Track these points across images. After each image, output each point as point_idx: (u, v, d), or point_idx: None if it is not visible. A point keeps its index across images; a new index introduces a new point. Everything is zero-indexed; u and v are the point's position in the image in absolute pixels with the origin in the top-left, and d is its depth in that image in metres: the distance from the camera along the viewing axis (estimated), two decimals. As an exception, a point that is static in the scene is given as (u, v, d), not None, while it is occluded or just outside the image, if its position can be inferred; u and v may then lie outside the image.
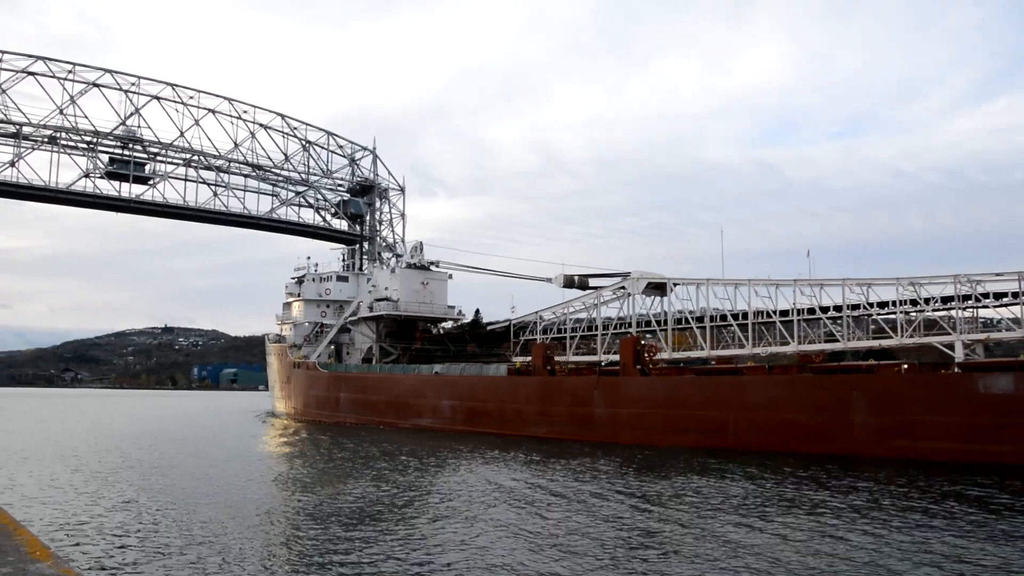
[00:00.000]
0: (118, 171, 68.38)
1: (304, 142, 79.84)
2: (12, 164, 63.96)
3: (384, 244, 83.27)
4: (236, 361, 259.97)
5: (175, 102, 71.41)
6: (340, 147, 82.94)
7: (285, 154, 77.95)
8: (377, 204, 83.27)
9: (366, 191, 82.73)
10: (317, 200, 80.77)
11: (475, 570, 14.66)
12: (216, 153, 73.27)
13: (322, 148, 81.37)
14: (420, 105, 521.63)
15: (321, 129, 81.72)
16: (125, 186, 68.87)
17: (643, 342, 45.33)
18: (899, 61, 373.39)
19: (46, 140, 65.98)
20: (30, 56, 65.49)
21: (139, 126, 69.80)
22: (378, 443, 42.99)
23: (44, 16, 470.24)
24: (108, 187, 68.54)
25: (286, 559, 15.74)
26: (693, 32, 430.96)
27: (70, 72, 66.57)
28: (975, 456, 28.99)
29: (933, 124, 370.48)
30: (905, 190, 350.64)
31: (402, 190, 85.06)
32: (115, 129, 68.50)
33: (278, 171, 77.64)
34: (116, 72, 69.00)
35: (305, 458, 37.90)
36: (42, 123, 65.42)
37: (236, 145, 74.59)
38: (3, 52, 64.58)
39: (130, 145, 69.51)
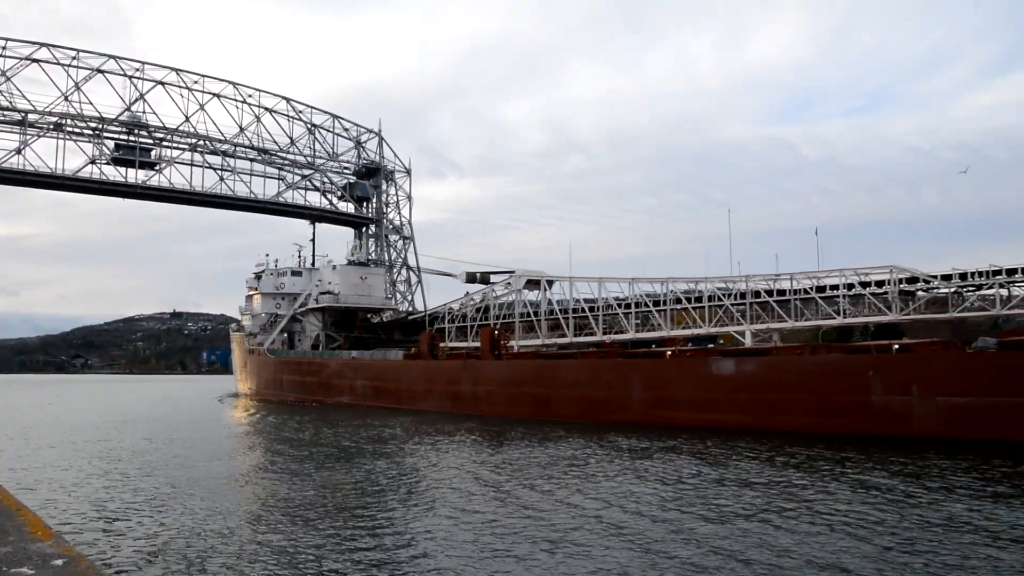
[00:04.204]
0: (124, 157, 68.53)
1: (310, 125, 79.72)
2: (18, 151, 64.06)
3: (391, 226, 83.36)
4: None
5: (180, 87, 71.32)
6: (346, 130, 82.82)
7: (291, 138, 77.91)
8: (383, 186, 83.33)
9: (372, 173, 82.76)
10: (323, 183, 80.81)
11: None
12: (222, 138, 73.22)
13: (328, 131, 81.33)
14: (431, 85, 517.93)
15: (326, 112, 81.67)
16: (131, 172, 69.05)
17: (497, 332, 52.75)
18: (919, 34, 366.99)
19: (51, 127, 66.03)
20: (34, 43, 65.34)
21: (144, 112, 69.89)
22: (305, 416, 50.24)
23: (53, 1, 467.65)
24: (114, 173, 68.77)
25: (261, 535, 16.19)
26: (710, 6, 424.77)
27: (74, 58, 66.40)
28: (709, 422, 35.27)
29: (951, 99, 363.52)
30: (921, 167, 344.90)
31: (408, 172, 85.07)
32: (120, 115, 68.46)
33: (284, 155, 77.60)
34: (120, 58, 68.87)
35: (252, 426, 46.05)
36: (47, 110, 65.41)
37: (241, 129, 74.56)
38: (7, 39, 64.49)
39: (135, 131, 69.52)
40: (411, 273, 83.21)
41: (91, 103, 66.99)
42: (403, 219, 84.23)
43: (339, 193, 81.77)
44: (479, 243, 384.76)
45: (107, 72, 67.77)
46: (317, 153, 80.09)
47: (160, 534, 15.93)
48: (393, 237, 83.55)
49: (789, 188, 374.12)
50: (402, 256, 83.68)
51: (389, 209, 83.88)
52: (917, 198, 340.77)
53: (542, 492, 20.15)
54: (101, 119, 67.51)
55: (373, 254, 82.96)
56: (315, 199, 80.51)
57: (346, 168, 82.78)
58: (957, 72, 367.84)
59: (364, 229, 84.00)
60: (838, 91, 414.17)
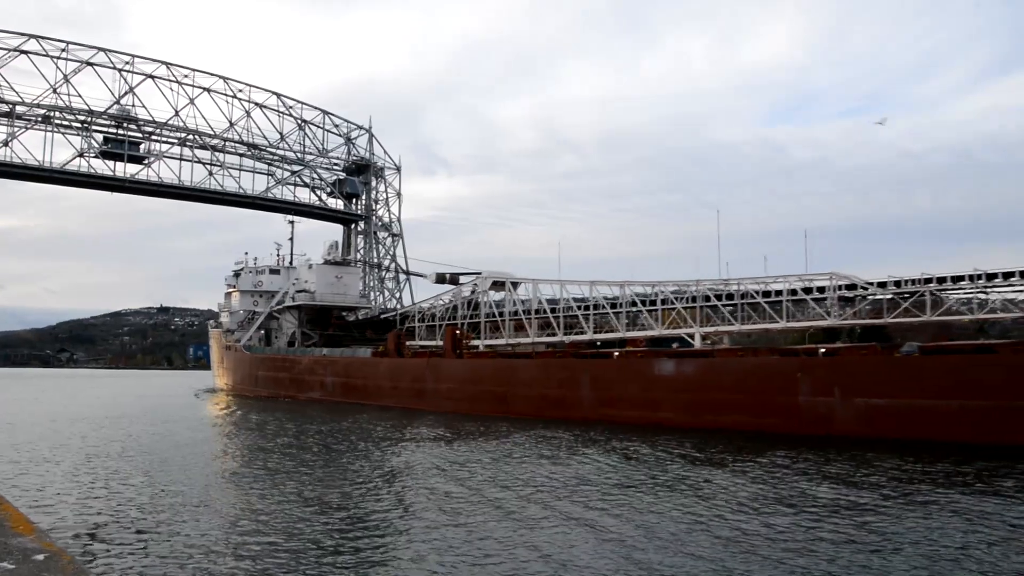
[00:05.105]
0: (113, 150, 68.29)
1: (300, 121, 79.65)
2: (6, 144, 63.75)
3: (380, 223, 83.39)
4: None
5: (170, 81, 71.12)
6: (336, 126, 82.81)
7: (280, 133, 77.88)
8: (373, 183, 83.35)
9: (362, 170, 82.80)
10: (313, 179, 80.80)
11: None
12: (211, 132, 73.09)
13: (318, 127, 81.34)
14: (424, 83, 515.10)
15: (317, 108, 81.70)
16: (120, 165, 68.91)
17: (458, 332, 54.54)
18: (913, 38, 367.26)
19: (40, 119, 65.68)
20: (23, 34, 65.00)
21: (133, 105, 69.69)
22: (275, 411, 51.34)
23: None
24: (103, 167, 68.61)
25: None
26: (705, 7, 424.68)
27: (63, 50, 66.07)
28: (650, 420, 36.78)
29: (943, 103, 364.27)
30: (913, 170, 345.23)
31: (398, 169, 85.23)
32: (109, 108, 68.23)
33: (273, 150, 77.53)
34: (110, 51, 68.60)
35: (222, 421, 47.17)
36: (36, 102, 65.09)
37: (231, 124, 74.44)
38: (-4, 30, 64.08)
39: (125, 124, 69.29)
40: (399, 270, 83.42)
41: (80, 96, 66.91)
42: (392, 216, 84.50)
43: (328, 189, 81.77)
44: (469, 241, 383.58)
45: (96, 65, 67.52)
46: (307, 149, 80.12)
47: (140, 529, 16.03)
48: (382, 234, 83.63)
49: (782, 190, 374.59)
50: (391, 253, 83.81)
51: (378, 206, 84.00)
52: (908, 201, 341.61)
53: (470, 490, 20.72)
54: (90, 112, 67.24)
55: (361, 251, 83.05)
56: (304, 195, 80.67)
57: (336, 165, 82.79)
58: (950, 76, 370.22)
59: (353, 226, 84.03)
60: (832, 94, 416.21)
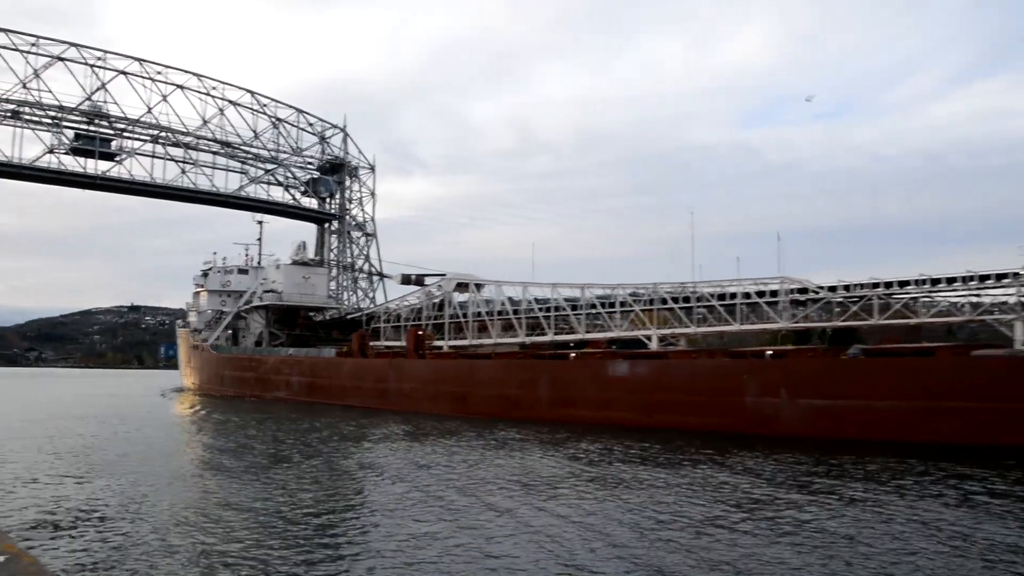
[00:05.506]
0: (84, 147, 67.56)
1: (274, 119, 79.38)
2: (-26, 138, 62.93)
3: (354, 223, 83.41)
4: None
5: (142, 77, 70.58)
6: (310, 125, 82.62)
7: (254, 131, 77.50)
8: (347, 183, 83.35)
9: (336, 169, 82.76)
10: (287, 178, 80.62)
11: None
12: (184, 130, 72.67)
13: (292, 125, 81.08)
14: (400, 82, 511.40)
15: (291, 106, 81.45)
16: (91, 162, 68.25)
17: (420, 332, 55.64)
18: (888, 43, 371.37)
19: (9, 115, 64.92)
20: (-8, 29, 64.21)
21: (105, 101, 68.99)
22: (240, 410, 52.40)
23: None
24: (73, 163, 67.87)
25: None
26: (684, 10, 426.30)
27: (34, 45, 65.33)
28: (605, 420, 37.74)
29: (915, 108, 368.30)
30: (884, 173, 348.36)
31: (372, 168, 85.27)
32: (81, 104, 67.56)
33: (247, 148, 77.23)
34: (82, 46, 67.94)
35: (187, 420, 48.43)
36: (4, 97, 64.32)
37: (205, 122, 74.02)
38: (-36, 24, 63.22)
39: (96, 121, 68.68)
40: (371, 271, 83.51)
41: (50, 91, 66.10)
42: (366, 216, 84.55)
43: (302, 188, 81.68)
44: (443, 242, 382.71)
45: (68, 60, 66.80)
46: (281, 147, 79.87)
47: (104, 530, 16.06)
48: (356, 234, 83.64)
49: (755, 192, 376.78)
50: (364, 253, 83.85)
51: (352, 206, 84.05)
52: (880, 204, 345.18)
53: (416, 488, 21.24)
54: (61, 108, 66.60)
55: (335, 251, 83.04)
56: (278, 194, 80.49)
57: (310, 163, 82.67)
58: (923, 82, 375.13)
59: (326, 225, 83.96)
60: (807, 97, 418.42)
